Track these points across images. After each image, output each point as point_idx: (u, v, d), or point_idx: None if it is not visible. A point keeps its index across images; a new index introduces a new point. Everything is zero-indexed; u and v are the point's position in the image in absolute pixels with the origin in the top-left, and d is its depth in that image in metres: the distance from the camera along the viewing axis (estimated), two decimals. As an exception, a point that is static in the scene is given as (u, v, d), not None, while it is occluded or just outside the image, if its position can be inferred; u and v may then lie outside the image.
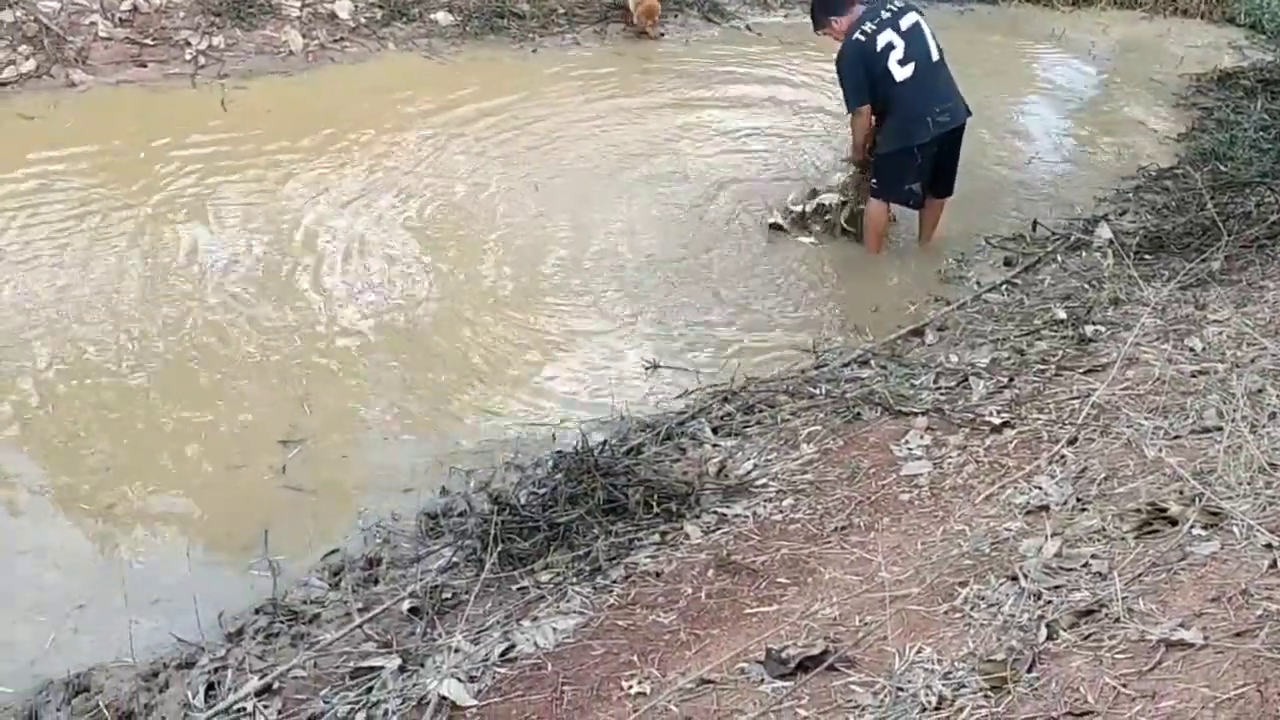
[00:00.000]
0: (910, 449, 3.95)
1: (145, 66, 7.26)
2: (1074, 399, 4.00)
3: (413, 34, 8.13)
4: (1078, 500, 3.27)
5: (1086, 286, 5.30)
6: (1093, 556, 2.90)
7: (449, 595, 3.57)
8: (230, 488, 4.24)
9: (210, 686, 3.29)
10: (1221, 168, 6.76)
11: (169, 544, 3.99)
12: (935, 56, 5.59)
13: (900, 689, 2.54)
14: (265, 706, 3.12)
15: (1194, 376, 3.92)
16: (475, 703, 2.95)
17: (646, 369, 4.99)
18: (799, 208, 6.13)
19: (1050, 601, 2.74)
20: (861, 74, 5.64)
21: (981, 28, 9.38)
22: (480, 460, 4.39)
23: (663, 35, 8.67)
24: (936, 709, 2.45)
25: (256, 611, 3.66)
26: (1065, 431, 3.76)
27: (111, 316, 5.06)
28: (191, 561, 3.89)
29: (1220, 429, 3.40)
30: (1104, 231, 5.95)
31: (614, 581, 3.47)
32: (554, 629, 3.25)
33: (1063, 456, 3.60)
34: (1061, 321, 4.92)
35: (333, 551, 3.93)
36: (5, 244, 5.51)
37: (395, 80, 7.55)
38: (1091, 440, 3.66)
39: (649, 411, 4.63)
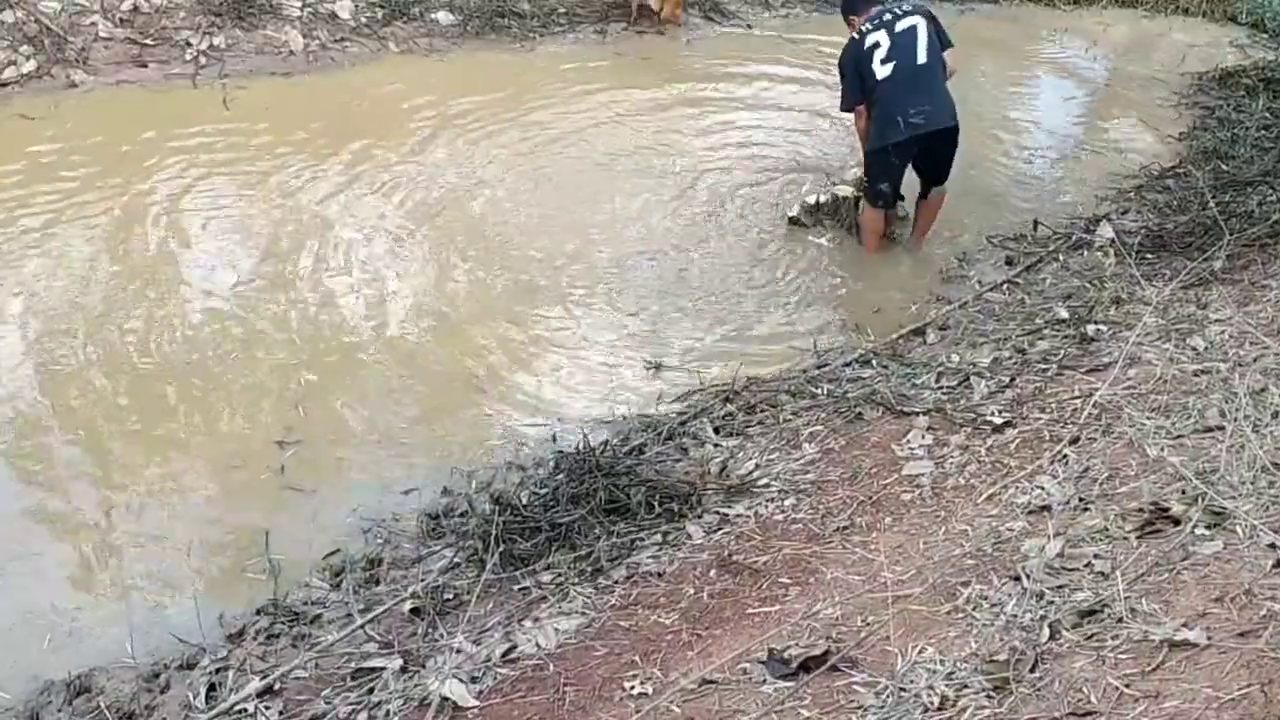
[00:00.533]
0: (912, 449, 3.95)
1: (146, 67, 7.26)
2: (1076, 398, 4.00)
3: (413, 34, 8.12)
4: (1080, 500, 3.27)
5: (1088, 286, 5.30)
6: (1095, 556, 2.90)
7: (450, 596, 3.56)
8: (230, 489, 4.24)
9: (211, 687, 3.29)
10: (1223, 166, 6.75)
11: (168, 545, 3.97)
12: (922, 60, 5.57)
13: (903, 689, 2.54)
14: (267, 707, 3.12)
15: (1196, 376, 3.92)
16: (477, 703, 2.95)
17: (648, 369, 4.98)
18: (813, 199, 6.16)
19: (1053, 601, 2.74)
20: (853, 72, 5.72)
21: (983, 27, 9.36)
22: (481, 460, 4.38)
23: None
24: (939, 709, 2.45)
25: (257, 612, 3.66)
26: (1067, 431, 3.76)
27: (107, 317, 5.04)
28: (192, 562, 3.88)
29: (1223, 428, 3.40)
30: (1106, 230, 5.94)
31: (616, 582, 3.48)
32: (556, 629, 3.25)
33: (1065, 456, 3.60)
34: (1063, 321, 4.92)
35: (334, 552, 3.92)
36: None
37: (396, 80, 7.55)
38: (1094, 440, 3.66)
39: (651, 411, 4.63)
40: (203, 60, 7.36)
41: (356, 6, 8.13)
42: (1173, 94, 8.31)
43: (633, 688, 2.87)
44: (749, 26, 8.96)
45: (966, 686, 2.48)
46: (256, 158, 6.42)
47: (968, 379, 4.44)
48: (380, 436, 4.54)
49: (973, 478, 3.67)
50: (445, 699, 2.96)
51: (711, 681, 2.77)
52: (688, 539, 3.66)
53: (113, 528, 4.03)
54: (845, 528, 3.53)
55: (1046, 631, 2.61)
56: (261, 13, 7.78)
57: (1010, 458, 3.73)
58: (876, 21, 5.62)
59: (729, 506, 3.82)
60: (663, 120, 7.32)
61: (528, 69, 7.91)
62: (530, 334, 5.20)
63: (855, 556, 3.33)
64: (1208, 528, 2.87)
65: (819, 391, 4.59)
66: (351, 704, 3.10)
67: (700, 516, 3.79)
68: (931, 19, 5.68)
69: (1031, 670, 2.47)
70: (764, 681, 2.71)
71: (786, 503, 3.77)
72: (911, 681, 2.56)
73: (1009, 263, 5.87)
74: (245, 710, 3.12)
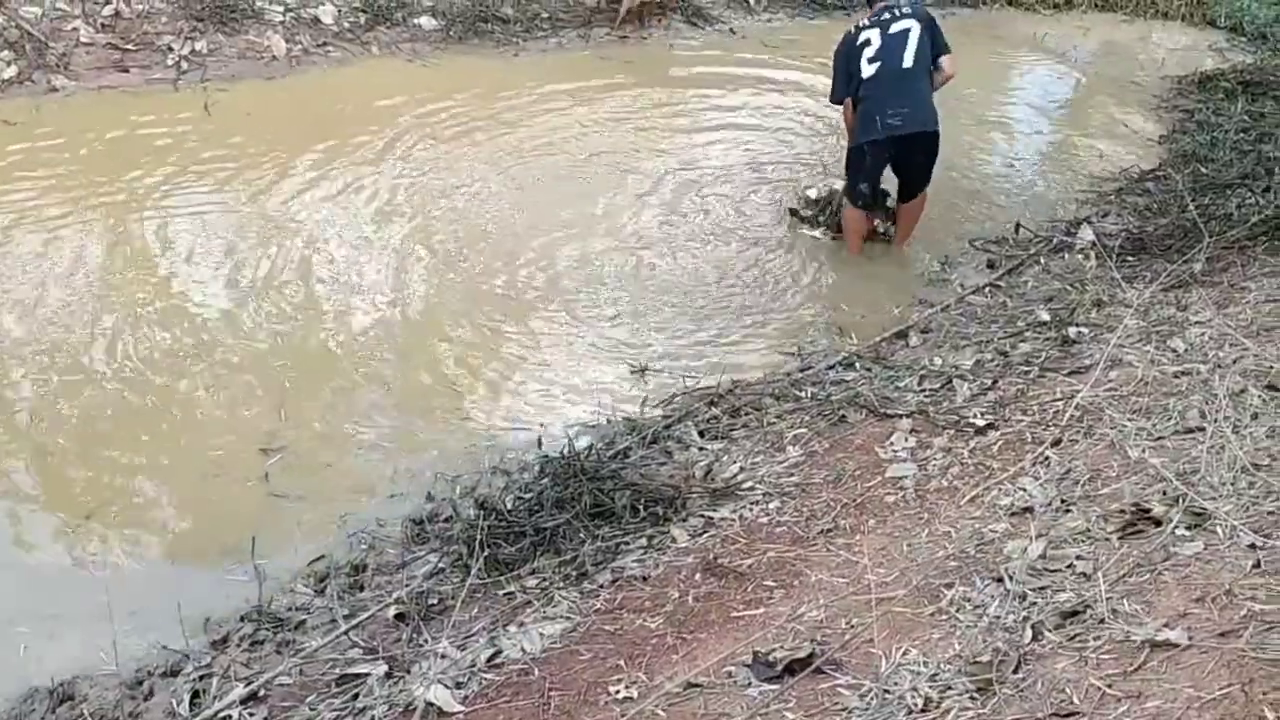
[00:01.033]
0: (895, 451, 3.97)
1: (127, 72, 7.24)
2: (1058, 400, 4.02)
3: (396, 38, 8.12)
4: (1062, 501, 3.28)
5: (1069, 288, 5.33)
6: (1077, 557, 2.91)
7: (435, 601, 3.56)
8: (213, 495, 4.22)
9: (195, 694, 3.27)
10: (1202, 169, 6.80)
11: (152, 551, 3.96)
12: (907, 64, 5.60)
13: (887, 691, 2.54)
14: (251, 714, 3.11)
15: (1176, 377, 3.95)
16: (462, 709, 2.95)
17: (633, 373, 4.99)
18: (813, 193, 6.22)
19: (1035, 603, 2.75)
20: (843, 66, 5.81)
21: (963, 31, 9.38)
22: (466, 465, 4.37)
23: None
24: (923, 711, 2.45)
25: (242, 618, 3.64)
26: (1049, 433, 3.78)
27: (87, 322, 5.02)
28: (175, 569, 3.87)
29: (1203, 430, 3.42)
30: (1086, 233, 5.98)
31: (601, 586, 3.47)
32: (541, 634, 3.24)
33: (1047, 458, 3.61)
34: (1045, 323, 4.94)
35: (318, 558, 3.91)
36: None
37: (378, 84, 7.54)
38: (1075, 441, 3.67)
39: (635, 415, 4.63)
40: (184, 65, 7.35)
41: (339, 11, 8.13)
42: (1152, 97, 8.38)
43: (618, 692, 2.87)
44: (731, 31, 8.99)
45: (950, 688, 2.49)
46: (236, 161, 6.41)
47: (950, 381, 4.45)
48: (364, 442, 4.53)
49: (955, 480, 3.68)
50: (430, 704, 2.95)
51: (696, 685, 2.78)
52: (672, 542, 3.66)
53: (95, 534, 4.01)
54: (829, 530, 3.54)
55: (1029, 633, 2.62)
56: (244, 18, 7.77)
57: (993, 460, 3.74)
58: (874, 20, 5.70)
59: (714, 510, 3.83)
60: (646, 123, 7.33)
61: (511, 73, 7.92)
62: (514, 338, 5.20)
63: (839, 559, 3.34)
64: (1189, 528, 2.88)
65: (803, 394, 4.60)
66: (336, 710, 3.09)
67: (685, 520, 3.79)
68: (929, 26, 5.70)
69: (1014, 671, 2.48)
70: (749, 684, 2.71)
71: (771, 505, 3.78)
72: (895, 683, 2.56)
73: (990, 266, 5.90)
74: (229, 717, 3.11)
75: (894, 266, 5.98)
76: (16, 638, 3.56)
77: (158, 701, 3.28)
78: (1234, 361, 3.92)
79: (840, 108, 5.99)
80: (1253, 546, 2.71)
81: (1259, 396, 3.55)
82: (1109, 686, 2.34)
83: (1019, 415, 4.01)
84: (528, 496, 4.03)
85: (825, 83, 7.96)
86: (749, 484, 3.96)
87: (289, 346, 5.03)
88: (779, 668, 2.71)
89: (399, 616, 3.48)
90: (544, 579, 3.56)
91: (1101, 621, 2.58)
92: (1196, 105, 8.10)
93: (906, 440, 4.02)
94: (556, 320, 5.35)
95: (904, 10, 5.68)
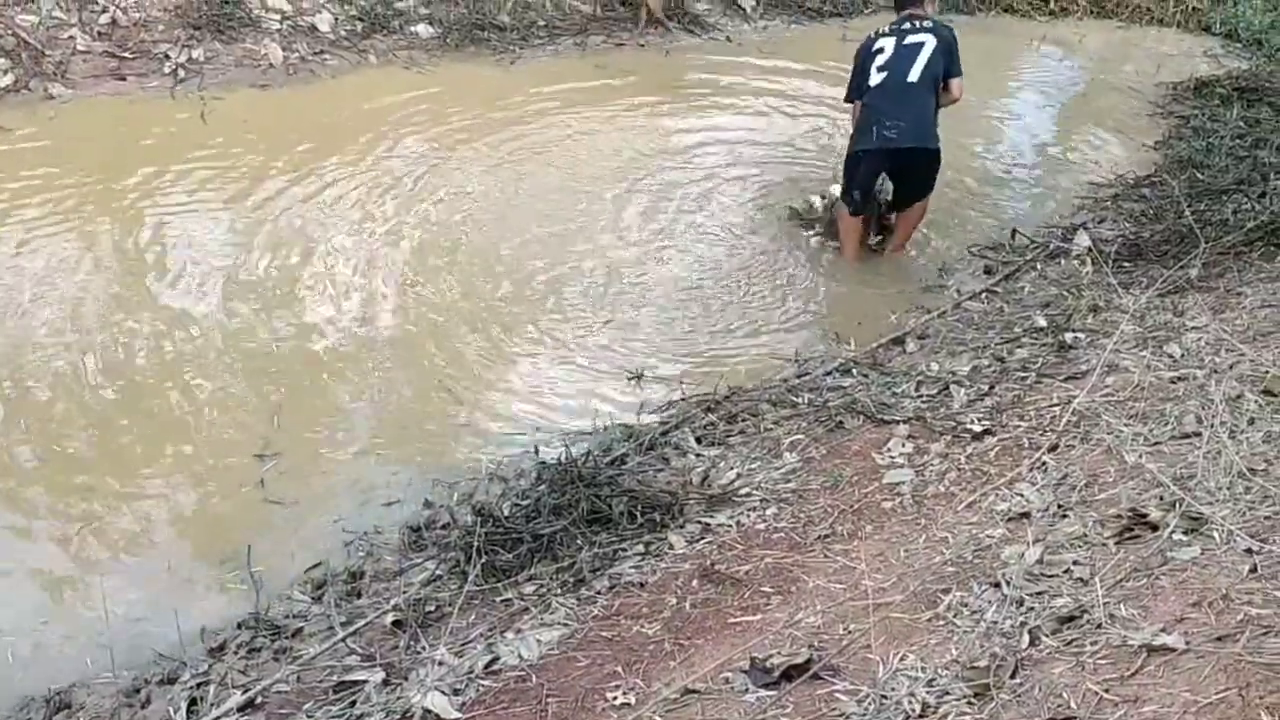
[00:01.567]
0: (892, 457, 3.97)
1: (124, 79, 7.24)
2: (1054, 406, 4.03)
3: (393, 46, 8.13)
4: (1059, 507, 3.28)
5: (1066, 294, 5.34)
6: (1074, 563, 2.91)
7: (432, 608, 3.55)
8: (209, 502, 4.22)
9: (192, 702, 3.26)
10: (1198, 175, 6.82)
11: (148, 559, 3.95)
12: (913, 79, 5.62)
13: (884, 697, 2.54)
14: (248, 721, 3.11)
15: (1173, 383, 3.95)
16: (459, 715, 2.94)
17: (630, 379, 4.99)
18: (817, 200, 6.26)
19: (1032, 608, 2.75)
20: (857, 67, 5.84)
21: (960, 37, 9.40)
22: (463, 472, 4.38)
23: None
24: (920, 716, 2.45)
25: (239, 626, 3.64)
26: (1046, 438, 3.78)
27: (82, 329, 5.02)
28: (172, 576, 3.86)
29: (1199, 435, 3.42)
30: (1083, 239, 5.99)
31: (598, 592, 3.47)
32: (538, 641, 3.24)
33: (1044, 463, 3.61)
34: (1041, 329, 4.95)
35: (315, 565, 3.91)
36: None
37: (375, 92, 7.55)
38: (1072, 447, 3.68)
39: (632, 421, 4.63)
40: (181, 73, 7.35)
41: (336, 20, 8.14)
42: (1148, 103, 8.40)
43: (615, 698, 2.87)
44: (728, 39, 9.00)
45: (948, 693, 2.49)
46: (231, 169, 6.40)
47: (947, 387, 4.46)
48: (360, 449, 4.53)
49: (953, 485, 3.68)
50: (427, 712, 2.95)
51: (694, 691, 2.77)
52: (670, 549, 3.66)
53: (92, 542, 4.00)
54: (826, 536, 3.54)
55: (1026, 638, 2.62)
56: (241, 26, 7.78)
57: (990, 465, 3.75)
58: (893, 28, 5.74)
59: (711, 516, 3.83)
60: (643, 131, 7.34)
61: (508, 81, 7.93)
62: (511, 344, 5.20)
63: (837, 565, 3.34)
64: (1185, 533, 2.89)
65: (800, 400, 4.61)
66: (333, 717, 3.09)
67: (682, 526, 3.79)
68: (946, 45, 5.70)
69: (1012, 676, 2.48)
70: (746, 690, 2.71)
71: (768, 512, 3.78)
72: (893, 689, 2.56)
73: (987, 272, 5.92)
74: (226, 725, 3.11)
75: (891, 273, 5.99)
76: (13, 646, 3.56)
77: (155, 709, 3.27)
78: (1230, 367, 3.93)
79: (851, 108, 6.03)
80: (1249, 551, 2.71)
81: (1255, 402, 3.55)
82: (1106, 691, 2.34)
83: (1016, 421, 4.01)
84: (525, 503, 4.02)
85: (821, 90, 8.10)
86: (746, 490, 3.96)
87: (284, 353, 5.02)
88: (776, 674, 2.71)
89: (396, 623, 3.47)
90: (541, 586, 3.56)
91: (1099, 626, 2.58)
92: (1192, 111, 8.12)
93: (904, 446, 4.02)
94: (553, 327, 5.35)
95: (924, 24, 5.69)
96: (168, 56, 7.41)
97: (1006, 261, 5.99)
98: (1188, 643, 2.41)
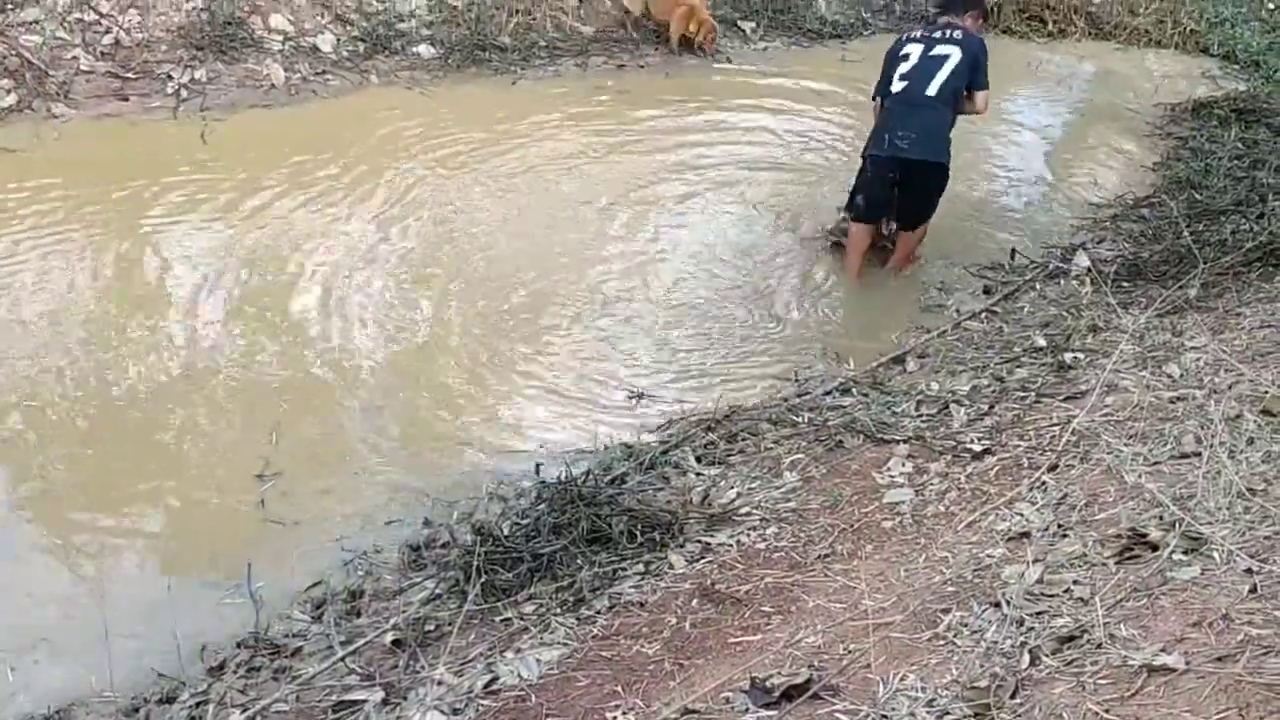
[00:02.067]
0: (892, 476, 3.97)
1: (127, 100, 7.26)
2: (1054, 426, 4.03)
3: (395, 67, 8.16)
4: (1059, 526, 3.28)
5: (1065, 314, 5.35)
6: (1074, 582, 2.91)
7: (432, 627, 3.55)
8: (209, 520, 4.22)
9: (191, 721, 3.26)
10: (1197, 196, 6.83)
11: (148, 577, 3.96)
12: (931, 92, 5.63)
13: (885, 717, 2.54)
14: (247, 741, 3.10)
15: (1172, 403, 3.95)
16: (459, 735, 2.94)
17: (630, 398, 4.99)
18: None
19: (1033, 628, 2.75)
20: (884, 67, 5.86)
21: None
22: (463, 491, 4.38)
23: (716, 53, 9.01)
24: (921, 737, 2.45)
25: (238, 645, 3.64)
26: (1046, 458, 3.78)
27: (80, 347, 5.03)
28: (171, 595, 3.86)
29: (1199, 454, 3.42)
30: (1082, 259, 6.01)
31: (598, 612, 3.47)
32: (538, 660, 3.24)
33: (1043, 483, 3.62)
34: (1041, 349, 4.96)
35: (315, 584, 3.91)
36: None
37: (377, 113, 7.57)
38: (1072, 467, 3.68)
39: (632, 440, 4.63)
40: (184, 93, 7.37)
41: (338, 40, 8.17)
42: (1146, 124, 8.43)
43: (615, 718, 2.87)
44: (728, 60, 9.04)
45: (948, 714, 2.49)
46: (231, 189, 6.41)
47: (947, 407, 4.46)
48: (360, 468, 4.53)
49: (953, 505, 3.68)
50: (427, 731, 2.95)
51: (694, 711, 2.77)
52: (670, 568, 3.66)
53: (91, 561, 4.01)
54: (826, 556, 3.54)
55: (1027, 658, 2.62)
56: (243, 46, 7.80)
57: (990, 485, 3.75)
58: (924, 34, 5.76)
59: (711, 535, 3.82)
60: (642, 151, 7.36)
61: (509, 102, 7.95)
62: (510, 363, 5.21)
63: (837, 584, 3.33)
64: (1185, 553, 2.88)
65: (800, 420, 4.61)
66: (333, 737, 3.09)
67: (682, 545, 3.79)
68: (973, 59, 5.68)
69: (1012, 697, 2.48)
70: (746, 710, 2.70)
71: (768, 531, 3.78)
72: (893, 709, 2.56)
73: (987, 291, 5.93)
74: (225, 744, 3.11)
75: (891, 292, 6.00)
76: (12, 665, 3.55)
77: (154, 729, 3.27)
78: (1229, 387, 3.93)
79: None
80: (1249, 571, 2.71)
81: (1254, 421, 3.56)
82: (1106, 711, 2.33)
83: (1015, 440, 4.01)
84: (525, 522, 4.02)
85: (820, 111, 8.14)
86: (746, 509, 3.96)
87: (284, 372, 5.03)
88: (776, 694, 2.70)
89: (396, 643, 3.47)
90: (541, 605, 3.55)
91: (1099, 646, 2.57)
92: (1190, 132, 8.14)
93: (903, 465, 4.03)
94: (553, 346, 5.36)
95: (955, 35, 5.68)
96: (170, 77, 7.44)
97: (1006, 281, 6.01)
98: (1188, 663, 2.40)
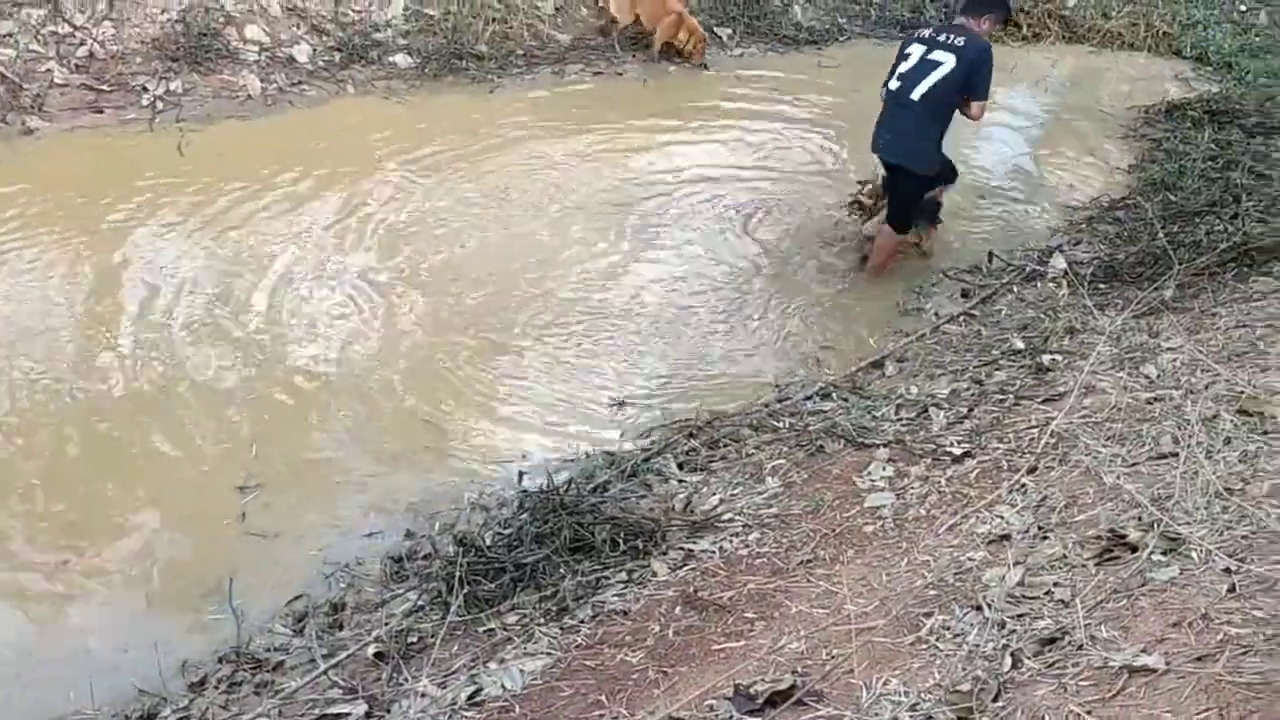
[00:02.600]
0: (873, 480, 3.98)
1: (102, 112, 7.23)
2: (1033, 428, 4.05)
3: (371, 76, 8.15)
4: (1039, 528, 3.30)
5: (1043, 316, 5.38)
6: (1055, 584, 2.92)
7: (415, 639, 3.54)
8: (190, 535, 4.20)
9: (173, 738, 3.25)
10: (1171, 197, 6.88)
11: (129, 593, 3.93)
12: (915, 97, 5.62)
13: (868, 722, 2.55)
14: (229, 757, 3.09)
15: (1150, 404, 3.98)
16: (443, 747, 2.93)
17: (611, 406, 4.99)
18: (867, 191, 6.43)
19: (1014, 630, 2.76)
20: (894, 60, 5.87)
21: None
22: (445, 502, 4.37)
23: (704, 68, 9.03)
24: (904, 741, 2.46)
25: (220, 660, 3.62)
26: (1025, 460, 3.80)
27: (59, 363, 5.00)
28: (152, 610, 3.84)
29: (1176, 455, 3.44)
30: (1058, 262, 6.04)
31: (581, 621, 3.47)
32: (521, 671, 3.23)
33: (1023, 485, 3.63)
34: (1019, 351, 4.98)
35: (297, 597, 3.89)
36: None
37: (354, 122, 7.56)
38: (1051, 469, 3.69)
39: (614, 448, 4.63)
40: (159, 105, 7.35)
41: (314, 50, 8.15)
42: (1121, 127, 8.48)
43: (600, 727, 2.87)
44: (705, 67, 9.05)
45: (931, 717, 2.49)
46: (209, 201, 6.39)
47: (926, 410, 4.48)
48: (341, 480, 4.52)
49: (933, 508, 3.69)
50: (411, 743, 2.94)
51: (678, 719, 2.77)
52: (653, 576, 3.66)
53: (71, 576, 3.98)
54: (809, 561, 3.55)
55: (1008, 660, 2.63)
56: (219, 57, 7.78)
57: (970, 488, 3.76)
58: (932, 34, 5.75)
59: (694, 542, 3.83)
60: (621, 159, 7.37)
61: (486, 110, 7.95)
62: (491, 373, 5.20)
63: (819, 589, 3.34)
64: (1164, 554, 2.90)
65: (781, 425, 4.62)
66: (316, 751, 3.07)
67: (665, 553, 3.79)
68: (972, 67, 5.59)
69: (994, 699, 2.49)
70: (730, 717, 2.71)
71: (750, 537, 3.78)
72: (876, 714, 2.57)
73: (965, 295, 5.95)
74: (208, 760, 3.09)
75: (869, 297, 6.01)
76: (-8, 683, 3.53)
77: (135, 745, 3.25)
78: (1206, 387, 3.96)
79: None
80: (1228, 571, 2.73)
81: (1231, 421, 3.58)
82: (1088, 713, 2.34)
83: (995, 443, 4.03)
84: (507, 532, 4.02)
85: (798, 116, 8.17)
86: (728, 516, 3.96)
87: (263, 384, 5.01)
88: (760, 700, 2.71)
89: (379, 655, 3.46)
90: (524, 615, 3.55)
91: (1080, 648, 2.59)
92: (1164, 134, 8.20)
93: (884, 470, 4.04)
94: (533, 355, 5.36)
95: (957, 42, 5.62)
96: (145, 89, 7.41)
97: (983, 284, 6.04)
98: (1168, 663, 2.42)
